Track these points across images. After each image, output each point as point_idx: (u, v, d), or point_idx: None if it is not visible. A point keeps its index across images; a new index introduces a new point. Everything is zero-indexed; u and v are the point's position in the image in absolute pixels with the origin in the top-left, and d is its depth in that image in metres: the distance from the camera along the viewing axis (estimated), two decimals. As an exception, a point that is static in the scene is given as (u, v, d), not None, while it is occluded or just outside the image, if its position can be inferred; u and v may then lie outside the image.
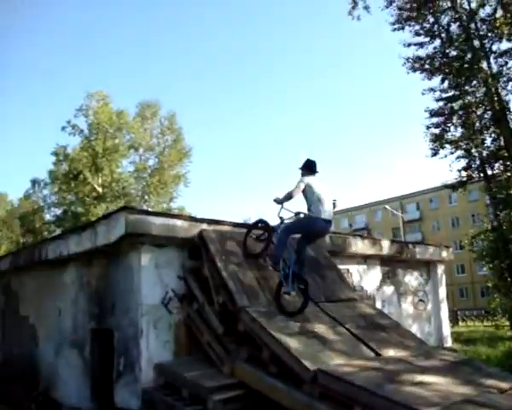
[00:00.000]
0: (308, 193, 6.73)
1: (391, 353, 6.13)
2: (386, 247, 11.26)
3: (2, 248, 45.41)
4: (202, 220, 7.49)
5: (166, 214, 7.91)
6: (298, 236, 7.07)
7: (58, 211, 40.03)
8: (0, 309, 13.54)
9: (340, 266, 9.11)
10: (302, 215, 6.88)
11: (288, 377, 5.49)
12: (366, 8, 21.65)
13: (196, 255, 7.29)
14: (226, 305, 6.43)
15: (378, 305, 10.74)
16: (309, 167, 7.05)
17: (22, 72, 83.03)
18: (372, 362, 5.67)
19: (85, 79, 79.98)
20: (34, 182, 40.88)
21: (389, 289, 11.66)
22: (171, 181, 39.27)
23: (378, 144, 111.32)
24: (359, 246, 10.41)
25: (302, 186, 6.72)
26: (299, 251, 6.88)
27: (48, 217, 41.55)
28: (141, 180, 39.66)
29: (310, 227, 6.90)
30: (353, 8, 21.88)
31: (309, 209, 6.74)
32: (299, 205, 7.07)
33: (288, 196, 6.76)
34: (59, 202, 39.55)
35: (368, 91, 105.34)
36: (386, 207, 51.89)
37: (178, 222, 7.08)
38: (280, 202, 6.89)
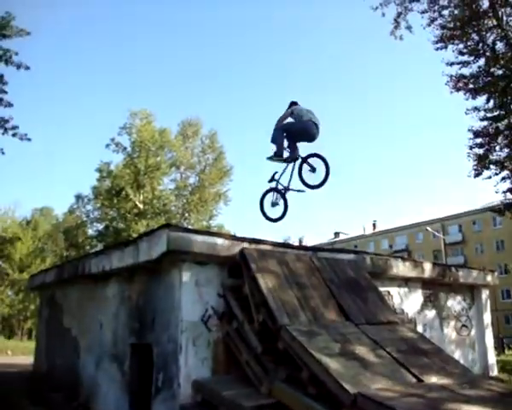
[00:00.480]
0: (297, 111, 7.73)
1: (433, 379, 5.93)
2: (428, 269, 11.01)
3: (47, 260, 46.78)
4: (243, 239, 7.53)
5: (208, 232, 8.00)
6: None
7: (100, 226, 40.92)
8: (44, 320, 13.92)
9: (381, 289, 8.97)
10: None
11: (326, 400, 5.39)
12: (408, 28, 21.45)
13: (236, 274, 7.33)
14: (266, 323, 6.41)
15: (419, 329, 10.48)
16: (293, 103, 7.96)
17: (68, 90, 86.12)
18: (414, 388, 5.50)
19: (129, 97, 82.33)
20: (78, 197, 41.91)
21: (431, 313, 11.36)
22: (211, 199, 39.58)
23: (419, 164, 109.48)
24: (400, 268, 10.21)
25: (289, 111, 7.79)
26: (292, 150, 7.89)
27: (90, 232, 42.54)
28: (181, 198, 40.14)
29: (301, 126, 7.68)
30: (396, 27, 21.72)
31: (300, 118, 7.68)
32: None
33: (281, 120, 7.75)
34: (101, 217, 40.42)
35: (407, 110, 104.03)
36: (428, 228, 50.88)
37: (219, 240, 7.14)
38: (276, 128, 7.77)
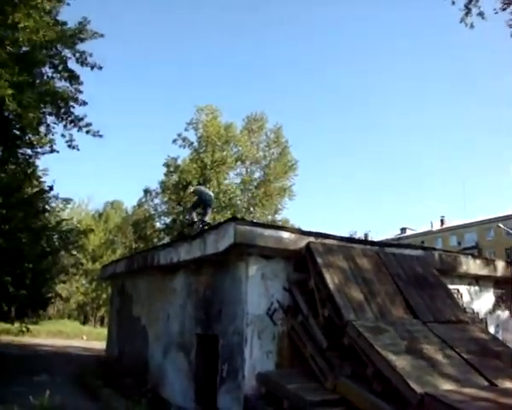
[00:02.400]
0: None
1: (507, 384, 5.65)
2: (500, 268, 10.52)
3: (118, 252, 48.65)
4: (309, 233, 7.52)
5: (274, 226, 8.05)
6: None
7: (167, 220, 41.97)
8: (116, 308, 14.55)
9: (450, 286, 8.69)
10: None
11: (392, 398, 5.32)
12: (480, 14, 20.45)
13: (302, 268, 7.33)
14: (332, 318, 6.39)
15: (491, 330, 10.04)
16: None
17: (138, 87, 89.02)
18: (486, 392, 5.27)
19: (195, 93, 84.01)
20: (146, 191, 42.99)
21: (504, 314, 10.87)
22: (276, 194, 39.50)
23: (490, 159, 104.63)
24: (471, 266, 9.83)
25: None
26: None
27: (158, 225, 43.70)
28: (247, 192, 40.33)
29: None
30: (466, 14, 20.76)
31: None
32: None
33: None
34: (168, 211, 41.34)
35: (471, 96, 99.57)
36: (500, 225, 48.47)
37: (285, 234, 7.17)
38: None
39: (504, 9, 20.05)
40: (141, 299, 11.97)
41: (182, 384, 8.78)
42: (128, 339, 12.58)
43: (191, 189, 13.69)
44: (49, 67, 13.30)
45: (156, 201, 42.76)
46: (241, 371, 6.87)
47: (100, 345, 18.89)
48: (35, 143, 14.55)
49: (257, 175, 40.83)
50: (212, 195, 12.63)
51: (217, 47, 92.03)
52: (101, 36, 13.56)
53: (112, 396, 8.88)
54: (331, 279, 6.67)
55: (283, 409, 6.11)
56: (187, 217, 13.78)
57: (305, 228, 8.36)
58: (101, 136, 14.26)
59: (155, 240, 40.43)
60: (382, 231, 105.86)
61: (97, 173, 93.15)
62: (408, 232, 77.44)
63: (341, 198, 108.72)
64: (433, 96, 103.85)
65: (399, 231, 79.95)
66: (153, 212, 43.64)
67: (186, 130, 39.29)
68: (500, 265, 10.63)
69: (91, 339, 25.91)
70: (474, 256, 10.63)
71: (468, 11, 20.55)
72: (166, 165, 39.85)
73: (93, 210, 57.21)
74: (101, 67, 13.89)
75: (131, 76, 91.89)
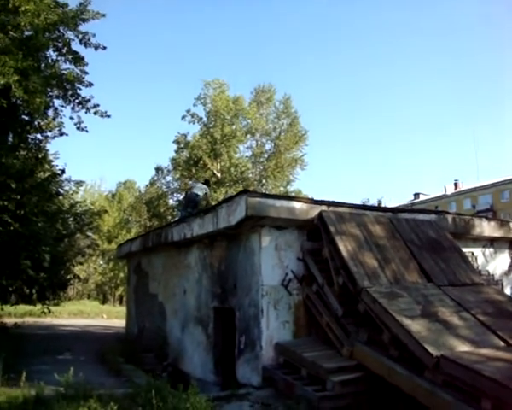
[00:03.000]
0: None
1: (524, 344, 5.69)
2: (515, 229, 10.45)
3: (132, 231, 49.03)
4: (321, 202, 7.51)
5: (285, 197, 8.05)
6: None
7: (180, 196, 42.17)
8: (133, 286, 14.76)
9: (464, 249, 8.65)
10: None
11: (408, 362, 5.38)
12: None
13: (315, 237, 7.36)
14: (346, 286, 6.43)
15: (507, 291, 10.04)
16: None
17: (146, 65, 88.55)
18: (502, 352, 5.30)
19: (203, 68, 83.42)
20: (158, 169, 43.11)
21: (520, 275, 10.83)
22: (287, 165, 39.39)
23: (502, 118, 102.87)
24: (485, 228, 9.77)
25: None
26: None
27: (171, 202, 43.97)
28: (258, 165, 40.30)
29: None
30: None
31: None
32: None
33: None
34: (181, 187, 41.51)
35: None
36: (515, 186, 47.96)
37: (297, 204, 7.17)
38: None
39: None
40: (157, 276, 12.13)
41: (201, 357, 8.94)
42: (146, 316, 12.78)
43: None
44: (53, 50, 13.21)
45: (168, 178, 42.90)
46: (258, 343, 6.97)
47: (120, 323, 19.21)
48: (44, 127, 14.60)
49: (267, 147, 40.74)
50: (203, 191, 12.88)
51: (221, 19, 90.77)
52: (103, 16, 13.42)
53: (133, 372, 9.06)
54: (344, 247, 6.69)
55: (301, 377, 6.22)
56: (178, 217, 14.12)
57: (318, 198, 8.35)
58: (109, 116, 14.23)
59: (169, 217, 40.66)
60: (396, 197, 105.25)
61: (108, 154, 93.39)
62: (421, 197, 76.93)
63: (354, 165, 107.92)
64: (446, 54, 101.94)
65: (413, 197, 79.45)
66: (165, 189, 43.85)
67: (194, 105, 39.22)
68: (515, 226, 10.54)
69: (111, 318, 26.34)
70: (488, 218, 10.56)
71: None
72: (177, 141, 39.89)
73: (106, 191, 57.43)
74: (104, 47, 13.79)
75: (138, 54, 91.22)
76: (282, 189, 39.15)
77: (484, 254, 10.06)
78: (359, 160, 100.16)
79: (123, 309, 22.65)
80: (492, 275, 10.07)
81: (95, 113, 14.09)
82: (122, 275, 45.87)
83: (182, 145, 39.84)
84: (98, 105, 14.06)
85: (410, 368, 5.31)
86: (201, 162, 37.93)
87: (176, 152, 40.36)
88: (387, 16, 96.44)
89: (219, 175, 38.07)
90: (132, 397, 5.51)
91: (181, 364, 9.79)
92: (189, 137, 39.63)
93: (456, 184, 73.08)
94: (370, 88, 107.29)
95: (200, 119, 39.17)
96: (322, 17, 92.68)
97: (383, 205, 54.55)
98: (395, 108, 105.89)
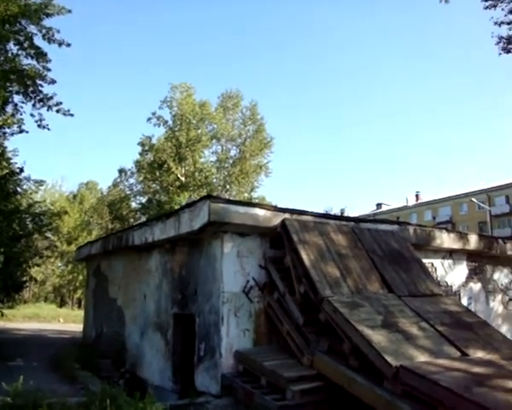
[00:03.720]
0: None
1: (479, 354, 5.78)
2: (473, 241, 10.68)
3: (94, 233, 48.11)
4: (284, 210, 7.47)
5: (249, 204, 7.98)
6: None
7: (143, 199, 41.72)
8: (92, 290, 14.41)
9: (425, 260, 8.79)
10: None
11: (368, 372, 5.37)
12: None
13: (278, 245, 7.31)
14: (308, 295, 6.40)
15: (464, 302, 10.25)
16: None
17: (112, 65, 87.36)
18: (458, 362, 5.38)
19: (170, 71, 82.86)
20: (121, 171, 42.64)
21: (476, 286, 11.07)
22: (252, 171, 39.50)
23: (466, 133, 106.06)
24: (445, 239, 9.95)
25: None
26: None
27: (134, 205, 43.44)
28: (222, 170, 40.26)
29: None
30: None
31: None
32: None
33: None
34: (144, 190, 41.15)
35: (450, 75, 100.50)
36: (473, 199, 49.45)
37: (261, 211, 7.10)
38: None
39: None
40: (117, 280, 11.86)
41: (159, 364, 8.75)
42: (105, 320, 12.48)
43: None
44: (14, 44, 12.83)
45: (131, 180, 42.57)
46: (218, 350, 6.85)
47: (77, 327, 18.75)
48: (1, 123, 14.13)
49: (233, 153, 40.80)
50: None
51: (189, 23, 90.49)
52: (69, 11, 13.16)
53: (89, 379, 8.77)
54: (307, 256, 6.66)
55: (261, 386, 6.14)
56: None
57: (282, 205, 8.33)
58: (72, 115, 13.93)
59: (131, 220, 40.25)
60: (358, 207, 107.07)
61: (71, 154, 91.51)
62: (383, 208, 78.42)
63: (318, 175, 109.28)
64: (405, 72, 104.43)
65: (375, 207, 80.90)
66: (128, 192, 43.43)
67: (160, 108, 38.97)
68: (473, 238, 10.79)
69: (68, 322, 25.70)
70: (447, 230, 10.76)
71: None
72: (141, 144, 39.49)
73: (67, 191, 56.20)
74: (69, 44, 13.50)
75: (104, 55, 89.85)
76: (246, 195, 39.22)
77: (443, 265, 10.24)
78: (324, 169, 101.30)
79: (81, 313, 22.14)
80: (451, 286, 10.27)
81: (57, 111, 13.76)
82: (81, 278, 44.88)
83: (146, 148, 39.47)
84: (61, 103, 13.76)
85: (370, 378, 5.30)
86: (166, 166, 37.65)
87: (140, 154, 39.97)
88: (361, 23, 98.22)
89: (183, 179, 37.87)
90: (86, 406, 5.30)
91: (139, 371, 9.57)
92: (154, 140, 39.34)
93: (417, 196, 74.79)
94: (338, 99, 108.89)
95: (166, 122, 38.93)
96: (290, 26, 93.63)
97: (346, 214, 55.35)
98: (360, 119, 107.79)
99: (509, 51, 20.26)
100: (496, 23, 20.27)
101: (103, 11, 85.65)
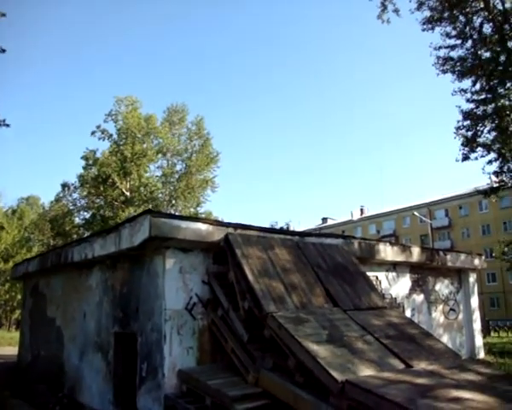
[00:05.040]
0: None
1: (422, 365, 5.83)
2: (416, 254, 10.94)
3: (34, 250, 46.26)
4: (228, 225, 7.34)
5: (191, 218, 7.82)
6: None
7: (87, 214, 40.58)
8: (28, 310, 13.68)
9: (369, 273, 8.87)
10: None
11: (314, 388, 5.28)
12: (396, 11, 21.23)
13: (221, 260, 7.16)
14: (252, 311, 6.26)
15: (407, 313, 10.44)
16: None
17: (54, 76, 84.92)
18: (403, 375, 5.39)
19: (114, 84, 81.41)
20: (64, 186, 41.33)
21: (419, 298, 11.33)
22: (198, 186, 39.32)
23: (406, 148, 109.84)
24: (388, 252, 10.13)
25: None
26: None
27: (77, 220, 42.16)
28: (168, 185, 39.84)
29: None
30: (383, 11, 21.50)
31: None
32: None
33: None
34: (88, 205, 40.06)
35: (393, 89, 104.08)
36: (415, 213, 51.12)
37: (203, 226, 6.94)
38: None
39: (418, 9, 20.97)
40: (56, 298, 11.31)
41: (99, 387, 8.35)
42: (42, 342, 11.84)
43: None
44: None
45: (75, 195, 41.43)
46: (160, 370, 6.59)
47: (13, 351, 17.71)
48: None
49: (178, 167, 40.55)
50: None
51: (136, 36, 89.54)
52: (3, 15, 12.57)
53: (19, 408, 8.22)
54: (250, 271, 6.53)
55: (206, 406, 5.93)
56: None
57: (229, 220, 8.20)
58: (7, 125, 13.32)
59: (75, 236, 39.03)
60: (304, 222, 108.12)
61: (9, 168, 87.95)
62: (329, 222, 79.81)
63: (265, 190, 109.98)
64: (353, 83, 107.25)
65: (321, 221, 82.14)
66: (71, 207, 42.17)
67: (105, 121, 38.25)
68: (415, 250, 11.05)
69: (3, 345, 24.37)
70: (391, 243, 10.96)
71: (384, 8, 21.41)
72: (85, 158, 38.53)
73: (5, 207, 53.89)
74: (4, 50, 12.87)
75: (47, 66, 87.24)
76: (192, 210, 38.97)
77: (387, 277, 10.40)
78: (270, 184, 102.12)
79: (18, 335, 21.04)
80: (395, 298, 10.44)
81: (-10, 121, 13.09)
82: (19, 297, 42.96)
83: (90, 162, 38.54)
84: (-6, 113, 13.08)
85: (316, 394, 5.21)
86: (110, 180, 36.85)
87: (84, 168, 38.94)
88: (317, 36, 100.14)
89: (128, 194, 37.17)
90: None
91: (78, 394, 9.09)
92: (99, 154, 38.49)
93: (362, 210, 76.60)
94: (284, 111, 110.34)
95: (111, 135, 38.22)
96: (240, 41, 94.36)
97: (291, 229, 55.80)
98: (305, 131, 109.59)
99: (445, 72, 21.17)
100: (435, 48, 21.19)
101: (47, 18, 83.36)
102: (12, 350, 18.63)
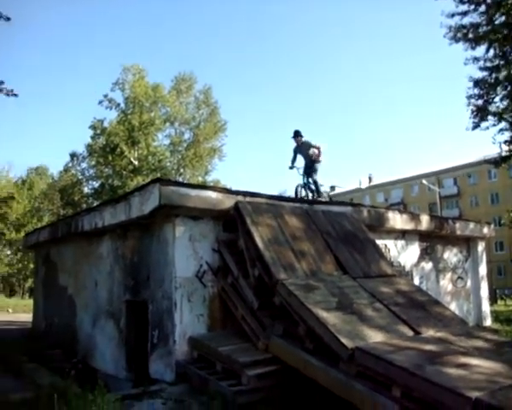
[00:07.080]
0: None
1: (430, 332, 5.90)
2: (425, 222, 10.91)
3: (44, 219, 46.60)
4: (237, 192, 7.34)
5: (201, 186, 7.81)
6: None
7: (96, 184, 40.71)
8: (41, 279, 13.88)
9: (378, 241, 8.87)
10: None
11: (324, 354, 5.35)
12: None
13: (231, 228, 7.18)
14: (262, 278, 6.31)
15: (416, 281, 10.47)
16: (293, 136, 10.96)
17: (61, 46, 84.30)
18: (411, 341, 5.46)
19: (122, 52, 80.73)
20: (73, 155, 41.36)
21: (427, 266, 11.35)
22: (206, 154, 39.23)
23: (415, 117, 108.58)
24: (397, 220, 10.10)
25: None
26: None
27: (86, 190, 42.35)
28: (176, 154, 39.77)
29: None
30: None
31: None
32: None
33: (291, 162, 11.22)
34: (96, 175, 40.14)
35: (405, 61, 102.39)
36: (423, 181, 50.69)
37: (213, 194, 6.94)
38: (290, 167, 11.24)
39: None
40: (67, 267, 11.44)
41: (112, 353, 8.51)
42: (55, 310, 12.05)
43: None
44: None
45: (83, 165, 41.48)
46: (171, 337, 6.69)
47: (27, 318, 18.04)
48: None
49: (186, 136, 40.35)
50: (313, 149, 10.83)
51: (142, 5, 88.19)
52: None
53: (36, 371, 8.42)
54: (260, 238, 6.56)
55: (216, 372, 6.04)
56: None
57: (237, 188, 8.18)
58: (16, 95, 13.15)
59: (84, 205, 39.24)
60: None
61: (18, 138, 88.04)
62: (337, 190, 79.41)
63: (272, 157, 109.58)
64: (358, 57, 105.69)
65: (329, 189, 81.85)
66: (80, 176, 42.31)
67: (112, 90, 37.98)
68: (424, 219, 11.01)
69: (18, 311, 24.80)
70: (400, 211, 10.94)
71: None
72: (93, 127, 38.41)
73: (15, 177, 54.06)
74: (8, 18, 12.64)
75: (54, 37, 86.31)
76: (200, 178, 38.95)
77: (396, 245, 10.40)
78: (278, 153, 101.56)
79: (31, 302, 21.39)
80: (403, 266, 10.46)
81: (-1, 91, 12.99)
82: (32, 266, 43.53)
83: (98, 131, 38.41)
84: (3, 82, 12.97)
85: (325, 360, 5.28)
86: (118, 150, 36.80)
87: (92, 138, 38.86)
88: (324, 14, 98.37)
89: (136, 163, 37.16)
90: (32, 403, 5.01)
91: (91, 360, 9.28)
92: (106, 124, 38.31)
93: (370, 178, 76.15)
94: (294, 80, 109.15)
95: (118, 105, 37.99)
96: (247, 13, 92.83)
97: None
98: (314, 101, 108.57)
99: (458, 40, 20.66)
100: (447, 16, 20.58)
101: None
102: (26, 317, 18.95)
